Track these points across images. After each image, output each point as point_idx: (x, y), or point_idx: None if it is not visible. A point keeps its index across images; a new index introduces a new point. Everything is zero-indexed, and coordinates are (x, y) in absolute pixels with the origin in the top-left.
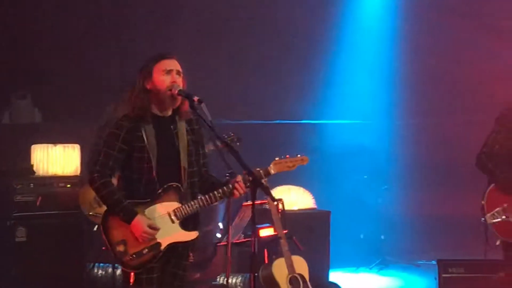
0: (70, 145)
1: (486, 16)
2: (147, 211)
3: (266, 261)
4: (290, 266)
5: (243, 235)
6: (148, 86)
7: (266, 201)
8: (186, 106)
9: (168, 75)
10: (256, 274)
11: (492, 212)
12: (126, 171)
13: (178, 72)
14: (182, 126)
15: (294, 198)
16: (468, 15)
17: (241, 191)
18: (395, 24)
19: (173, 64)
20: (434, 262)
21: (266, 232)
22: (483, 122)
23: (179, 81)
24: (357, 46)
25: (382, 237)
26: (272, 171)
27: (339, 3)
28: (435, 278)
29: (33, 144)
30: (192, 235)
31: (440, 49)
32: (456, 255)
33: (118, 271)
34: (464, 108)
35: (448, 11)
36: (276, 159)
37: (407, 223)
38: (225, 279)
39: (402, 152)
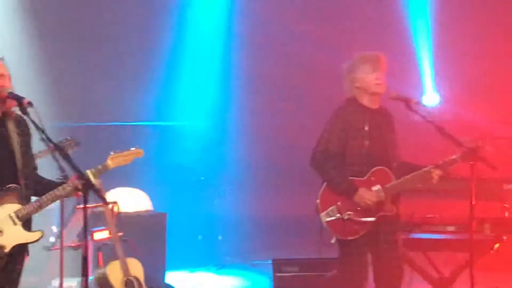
0: None
1: (328, 17)
2: None
3: (101, 264)
4: (125, 269)
5: (77, 239)
6: None
7: (101, 204)
8: (13, 106)
9: None
10: (90, 277)
11: (326, 211)
12: None
13: (1, 76)
14: (12, 127)
15: (130, 200)
16: (308, 16)
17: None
18: (233, 25)
19: None
20: (270, 262)
21: (100, 235)
22: (319, 123)
23: (7, 84)
24: (196, 47)
25: (220, 237)
26: (110, 166)
27: (176, 4)
28: (270, 277)
29: None
30: (37, 235)
31: (282, 51)
32: (294, 255)
33: None
34: (302, 110)
35: (286, 12)
36: (112, 153)
37: (244, 223)
38: (59, 283)
39: (239, 153)
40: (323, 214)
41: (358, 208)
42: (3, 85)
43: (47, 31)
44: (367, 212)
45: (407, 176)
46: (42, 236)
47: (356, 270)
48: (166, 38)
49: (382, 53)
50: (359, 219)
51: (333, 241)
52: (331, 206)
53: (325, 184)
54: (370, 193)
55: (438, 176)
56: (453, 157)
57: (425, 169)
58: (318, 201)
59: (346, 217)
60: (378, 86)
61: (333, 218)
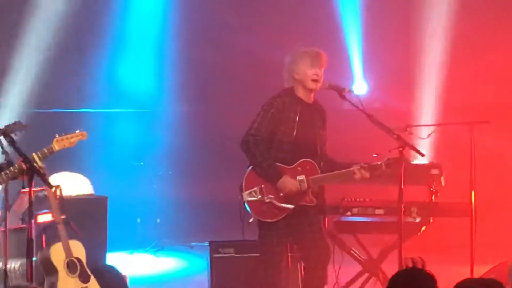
0: None
1: (262, 10)
2: None
3: (44, 246)
4: (68, 251)
5: (21, 221)
6: None
7: (45, 187)
8: None
9: None
10: (34, 258)
11: (249, 191)
12: None
13: None
14: None
15: (72, 184)
16: (243, 9)
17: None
18: (167, 14)
19: None
20: (206, 244)
21: (44, 217)
22: (251, 111)
23: None
24: (136, 39)
25: (158, 220)
26: (56, 148)
27: None
28: (207, 258)
29: None
30: None
31: (216, 41)
32: (228, 237)
33: None
34: (236, 98)
35: (221, 5)
36: (57, 136)
37: (181, 207)
38: (3, 265)
39: (177, 139)
40: (245, 193)
41: (280, 194)
42: None
43: None
44: (288, 199)
45: (332, 173)
46: None
47: (274, 251)
48: (107, 30)
49: (323, 51)
50: (279, 204)
51: (251, 220)
52: (255, 187)
53: (251, 166)
54: (292, 182)
55: (360, 176)
56: (378, 162)
57: (349, 169)
58: (243, 180)
59: (267, 200)
60: (314, 82)
61: (254, 198)
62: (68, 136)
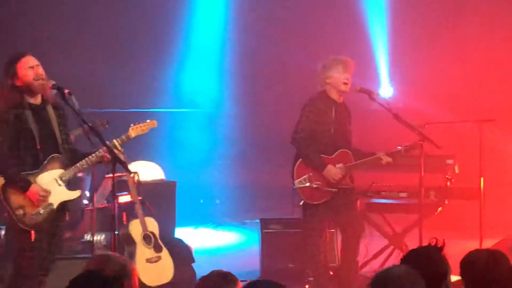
0: None
1: (299, 23)
2: (37, 179)
3: (125, 222)
4: (144, 226)
5: (105, 201)
6: (18, 83)
7: (125, 173)
8: (50, 92)
9: (31, 69)
10: (116, 232)
11: (299, 179)
12: (15, 149)
13: (38, 65)
14: (51, 110)
15: (147, 171)
16: (281, 24)
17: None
18: (226, 29)
19: (32, 60)
20: (257, 221)
21: (124, 198)
22: (289, 109)
23: (43, 71)
24: (198, 51)
25: (217, 201)
26: (132, 135)
27: (181, 4)
28: (258, 233)
29: None
30: (77, 193)
31: (264, 53)
32: (275, 215)
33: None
34: (281, 100)
35: (267, 18)
36: (132, 125)
37: (237, 190)
38: (91, 237)
39: (233, 134)
40: (296, 181)
41: (325, 180)
42: (41, 73)
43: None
44: (331, 183)
45: (364, 159)
46: (80, 194)
47: (315, 228)
48: (174, 44)
49: (351, 59)
50: (325, 188)
51: (301, 203)
52: (304, 175)
53: (300, 159)
54: (336, 171)
55: (386, 162)
56: (398, 147)
57: (377, 155)
58: (294, 171)
59: (314, 186)
60: (345, 85)
61: (304, 185)
62: (141, 124)
